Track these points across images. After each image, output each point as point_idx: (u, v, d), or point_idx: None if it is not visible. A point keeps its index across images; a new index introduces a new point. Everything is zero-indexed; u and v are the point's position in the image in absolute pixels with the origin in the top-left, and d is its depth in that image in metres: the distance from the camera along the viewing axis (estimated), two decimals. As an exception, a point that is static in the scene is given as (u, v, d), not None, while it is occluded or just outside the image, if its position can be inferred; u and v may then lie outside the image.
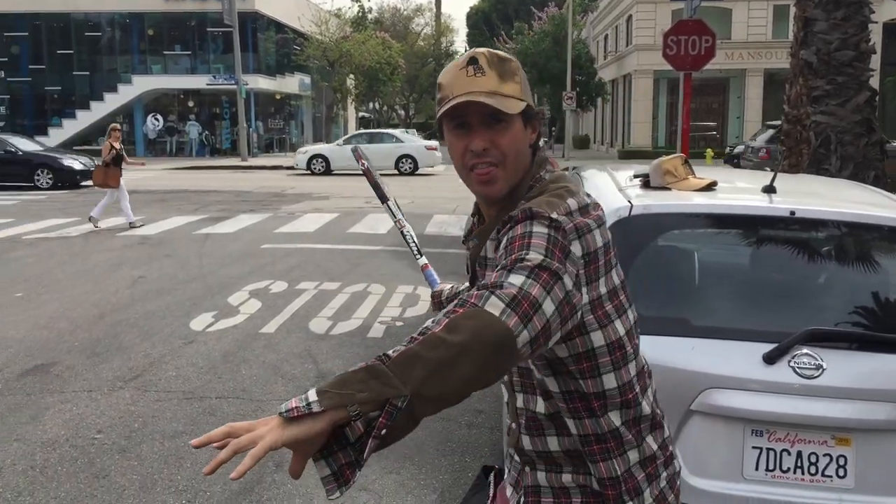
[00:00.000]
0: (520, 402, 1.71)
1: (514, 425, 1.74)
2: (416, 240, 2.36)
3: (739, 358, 2.55)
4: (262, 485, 3.99)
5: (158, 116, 38.13)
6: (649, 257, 2.86)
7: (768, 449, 2.52)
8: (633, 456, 1.63)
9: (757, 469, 2.52)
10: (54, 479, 4.04)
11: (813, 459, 2.51)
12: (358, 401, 1.18)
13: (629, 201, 2.89)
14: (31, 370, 5.75)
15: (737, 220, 2.98)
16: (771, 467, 2.52)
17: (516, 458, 1.77)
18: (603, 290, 1.52)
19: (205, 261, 10.06)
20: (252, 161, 32.99)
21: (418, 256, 2.25)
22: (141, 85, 37.88)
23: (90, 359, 6.00)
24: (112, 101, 37.71)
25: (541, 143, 1.70)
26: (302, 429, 1.19)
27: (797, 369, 2.50)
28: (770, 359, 2.51)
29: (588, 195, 1.60)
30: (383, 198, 2.38)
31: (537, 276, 1.34)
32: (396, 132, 29.91)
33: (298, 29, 42.79)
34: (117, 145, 13.31)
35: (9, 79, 38.55)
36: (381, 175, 2.49)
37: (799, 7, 7.81)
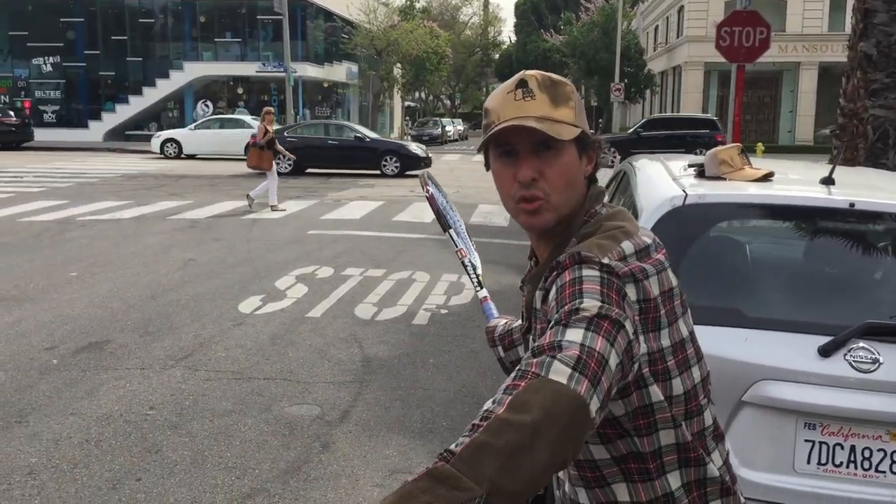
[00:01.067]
0: (567, 488, 1.58)
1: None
2: (478, 271, 2.16)
3: (793, 350, 2.52)
4: (309, 464, 4.05)
5: (208, 103, 38.66)
6: (703, 247, 2.84)
7: (821, 442, 2.48)
8: None
9: (809, 462, 2.49)
10: (108, 452, 4.15)
11: (867, 454, 2.47)
12: None
13: (684, 190, 2.86)
14: (85, 347, 5.90)
15: (794, 212, 2.93)
16: (823, 461, 2.49)
17: None
18: (665, 342, 1.37)
19: (252, 245, 10.20)
20: (299, 148, 33.23)
21: (478, 289, 2.07)
22: (192, 71, 38.42)
23: (143, 338, 6.14)
24: (164, 87, 38.32)
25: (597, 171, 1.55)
26: None
27: (853, 363, 2.46)
28: (825, 352, 2.48)
29: (649, 234, 1.46)
30: (445, 226, 2.23)
31: (598, 326, 1.21)
32: (248, 118, 30.29)
33: (347, 17, 42.98)
34: (271, 128, 13.53)
35: (64, 63, 39.35)
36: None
37: (858, -2, 7.64)
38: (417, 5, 50.44)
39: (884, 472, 2.46)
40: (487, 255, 9.70)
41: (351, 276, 8.41)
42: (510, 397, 1.11)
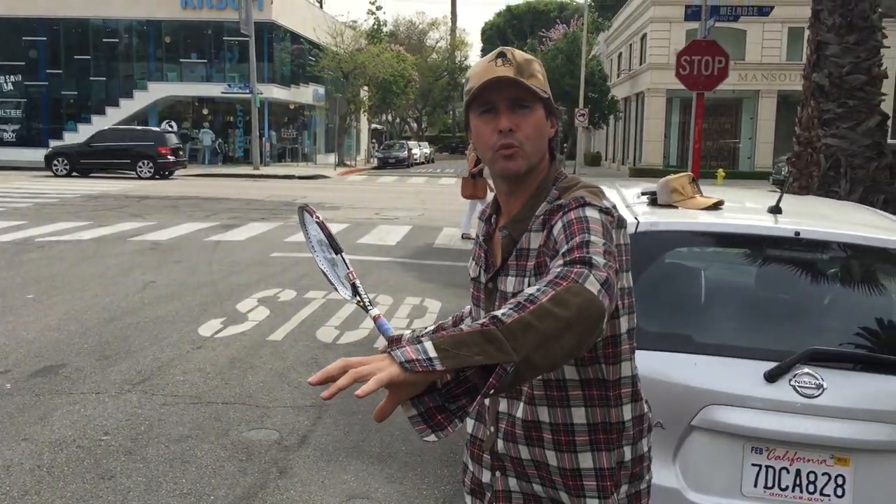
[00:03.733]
0: (502, 407, 1.81)
1: (489, 430, 1.84)
2: (366, 294, 2.21)
3: (741, 375, 2.57)
4: (266, 490, 4.02)
5: (172, 123, 38.38)
6: (654, 274, 2.90)
7: (767, 466, 2.54)
8: (628, 452, 1.75)
9: (756, 486, 2.54)
10: (61, 478, 4.08)
11: (812, 478, 2.52)
12: (474, 363, 1.25)
13: (636, 218, 2.92)
14: (40, 371, 5.81)
15: (741, 240, 3.01)
16: (770, 485, 2.54)
17: (483, 463, 1.87)
18: (625, 284, 1.70)
19: (214, 267, 10.13)
20: (264, 170, 33.16)
21: (370, 307, 2.12)
22: (157, 91, 38.18)
23: (99, 361, 6.06)
24: (127, 107, 38.02)
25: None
26: (416, 376, 1.24)
27: (798, 388, 2.52)
28: (771, 377, 2.54)
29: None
30: (338, 249, 2.27)
31: (610, 258, 1.49)
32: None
33: (314, 40, 43.08)
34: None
35: (26, 83, 38.90)
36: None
37: (812, 30, 7.86)
38: (385, 29, 50.63)
39: (828, 495, 2.52)
40: (452, 278, 9.75)
41: (314, 298, 8.39)
42: (553, 292, 1.35)
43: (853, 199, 6.95)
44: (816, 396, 2.51)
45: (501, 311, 1.32)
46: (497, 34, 62.22)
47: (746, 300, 3.06)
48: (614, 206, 1.68)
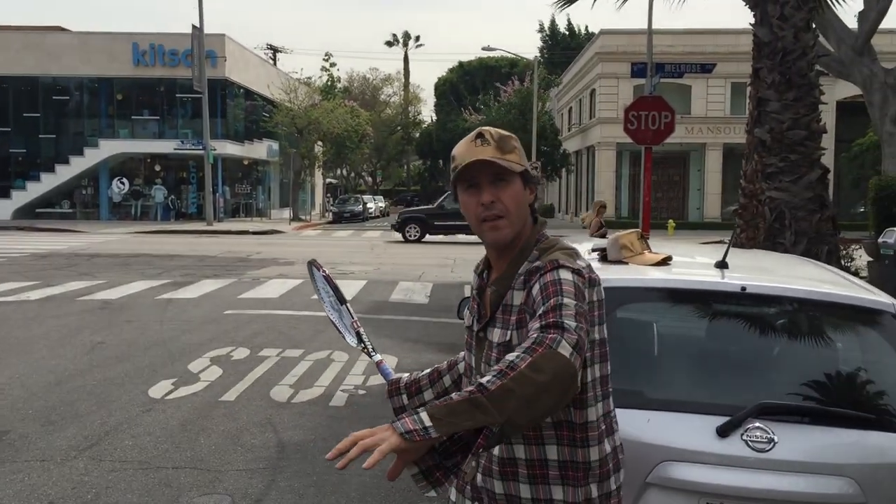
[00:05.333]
0: (495, 450, 1.95)
1: (472, 464, 2.00)
2: (370, 341, 2.44)
3: (694, 431, 2.60)
4: (217, 559, 3.90)
5: (124, 180, 38.02)
6: (607, 329, 2.92)
7: (722, 522, 2.54)
8: (594, 489, 1.91)
9: (712, 542, 2.54)
10: (1, 553, 3.91)
11: (766, 533, 2.53)
12: (465, 428, 1.49)
13: (587, 275, 2.96)
14: (-19, 439, 5.60)
15: (690, 295, 3.06)
16: (726, 540, 2.54)
17: (466, 494, 2.05)
18: (597, 336, 1.89)
19: (166, 326, 9.95)
20: (218, 226, 32.89)
21: (374, 353, 2.35)
22: (108, 149, 37.81)
23: (44, 427, 5.87)
24: (78, 165, 37.57)
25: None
26: (415, 444, 1.50)
27: (749, 442, 2.55)
28: (723, 432, 2.56)
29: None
30: (342, 300, 2.50)
31: (581, 319, 1.68)
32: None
33: (268, 96, 43.23)
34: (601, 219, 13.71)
35: (-28, 140, 38.29)
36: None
37: (753, 87, 8.12)
38: (339, 85, 51.08)
39: (783, 549, 2.53)
40: (408, 333, 9.70)
41: (268, 356, 8.27)
42: (531, 359, 1.55)
43: (798, 250, 7.13)
44: (768, 450, 2.53)
45: (486, 378, 1.53)
46: (450, 89, 63.10)
47: (698, 355, 3.10)
48: (588, 267, 1.88)
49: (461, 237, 27.42)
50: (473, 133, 1.98)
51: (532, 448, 1.90)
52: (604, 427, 1.92)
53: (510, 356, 1.57)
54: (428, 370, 2.36)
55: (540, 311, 1.70)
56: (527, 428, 1.59)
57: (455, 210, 27.36)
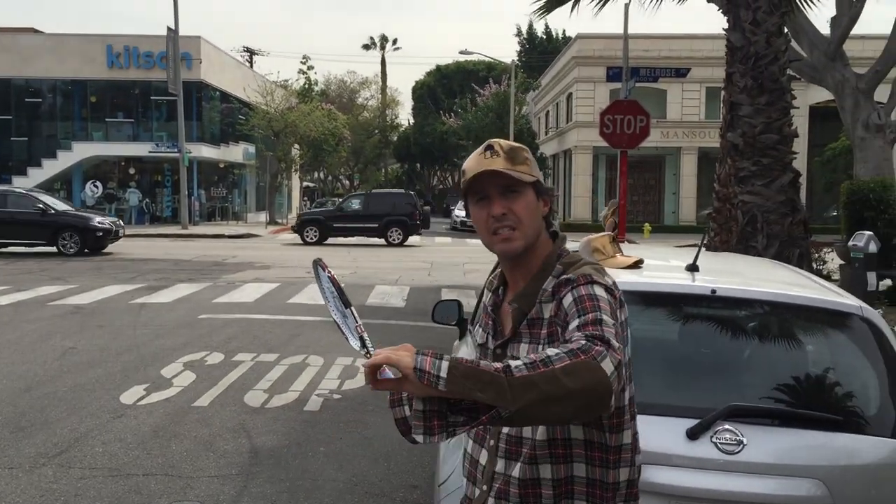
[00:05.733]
0: (499, 467, 1.91)
1: (482, 488, 1.95)
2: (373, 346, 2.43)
3: (664, 434, 2.60)
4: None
5: (98, 183, 37.59)
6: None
7: (692, 525, 2.55)
8: None
9: (682, 545, 2.54)
10: (-34, 562, 3.84)
11: (736, 535, 2.54)
12: (473, 398, 1.44)
13: (558, 279, 2.95)
14: (-52, 446, 5.51)
15: (661, 298, 3.07)
16: (696, 543, 2.54)
17: None
18: (627, 356, 1.81)
19: (139, 331, 9.85)
20: (193, 229, 32.62)
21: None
22: (81, 151, 37.40)
23: (13, 434, 5.78)
24: (51, 168, 37.13)
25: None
26: (419, 384, 1.46)
27: (719, 445, 2.55)
28: (693, 434, 2.57)
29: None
30: (347, 303, 2.42)
31: (619, 340, 1.62)
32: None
33: (244, 99, 42.99)
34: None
35: (-57, 143, 37.73)
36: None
37: (726, 91, 8.19)
38: (316, 88, 50.88)
39: (752, 551, 2.53)
40: (385, 336, 9.66)
41: (242, 361, 8.21)
42: (570, 361, 1.48)
43: (770, 254, 7.20)
44: (737, 452, 2.54)
45: (516, 363, 1.48)
46: (427, 93, 63.08)
47: (668, 358, 3.11)
48: (615, 284, 1.82)
49: (360, 239, 27.44)
50: (483, 145, 1.93)
51: (560, 467, 1.84)
52: (633, 447, 1.90)
53: (550, 351, 1.52)
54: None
55: (578, 321, 1.65)
56: (538, 424, 1.55)
57: (356, 212, 27.45)
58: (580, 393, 1.46)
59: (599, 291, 1.73)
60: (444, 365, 1.44)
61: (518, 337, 1.90)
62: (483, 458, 1.97)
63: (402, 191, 31.69)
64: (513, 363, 1.47)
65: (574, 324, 1.65)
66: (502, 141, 1.93)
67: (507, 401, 1.43)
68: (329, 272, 2.42)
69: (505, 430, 1.89)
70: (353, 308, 2.39)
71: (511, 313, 1.93)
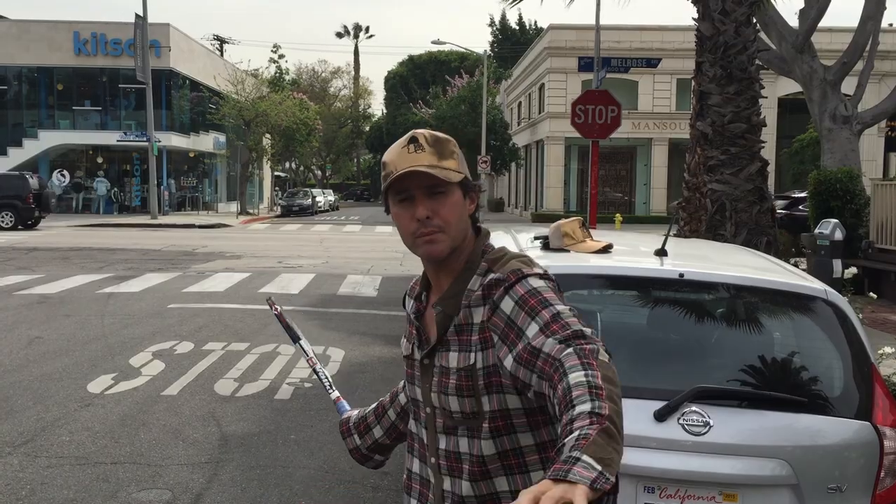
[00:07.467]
0: (447, 486, 1.78)
1: None
2: (328, 377, 2.36)
3: (632, 415, 2.60)
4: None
5: (65, 172, 37.05)
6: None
7: (660, 505, 2.57)
8: None
9: (649, 525, 2.57)
10: (-71, 553, 3.78)
11: (702, 515, 2.57)
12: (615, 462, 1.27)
13: (528, 263, 2.96)
14: None
15: (630, 282, 3.09)
16: (663, 523, 2.57)
17: None
18: None
19: (107, 321, 9.73)
20: (163, 219, 32.29)
21: (331, 391, 2.29)
22: (48, 140, 36.85)
23: (-23, 424, 5.70)
24: (16, 156, 36.50)
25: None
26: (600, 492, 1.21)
27: (686, 426, 2.58)
28: (660, 416, 2.59)
29: None
30: (295, 338, 2.40)
31: (583, 322, 1.54)
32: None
33: (214, 87, 42.55)
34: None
35: None
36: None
37: (696, 81, 8.25)
38: (287, 77, 50.49)
39: (719, 531, 2.57)
40: (356, 326, 9.65)
41: (212, 350, 8.14)
42: (601, 373, 1.37)
43: (738, 241, 7.26)
44: (704, 434, 2.57)
45: (587, 405, 1.31)
46: (400, 83, 62.94)
47: (636, 341, 3.13)
48: (546, 271, 1.70)
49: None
50: (406, 137, 1.74)
51: (516, 478, 1.71)
52: None
53: (577, 376, 1.37)
54: (373, 406, 2.20)
55: (538, 327, 1.52)
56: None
57: None
58: (619, 392, 1.37)
59: (537, 283, 1.61)
60: (590, 461, 1.22)
61: (446, 345, 1.74)
62: (431, 476, 1.84)
63: (16, 173, 29.45)
64: (587, 407, 1.31)
65: (534, 330, 1.52)
66: (427, 132, 1.74)
67: (620, 442, 1.29)
68: (275, 310, 2.38)
69: (442, 445, 1.77)
70: (301, 342, 2.35)
71: (435, 318, 1.77)
